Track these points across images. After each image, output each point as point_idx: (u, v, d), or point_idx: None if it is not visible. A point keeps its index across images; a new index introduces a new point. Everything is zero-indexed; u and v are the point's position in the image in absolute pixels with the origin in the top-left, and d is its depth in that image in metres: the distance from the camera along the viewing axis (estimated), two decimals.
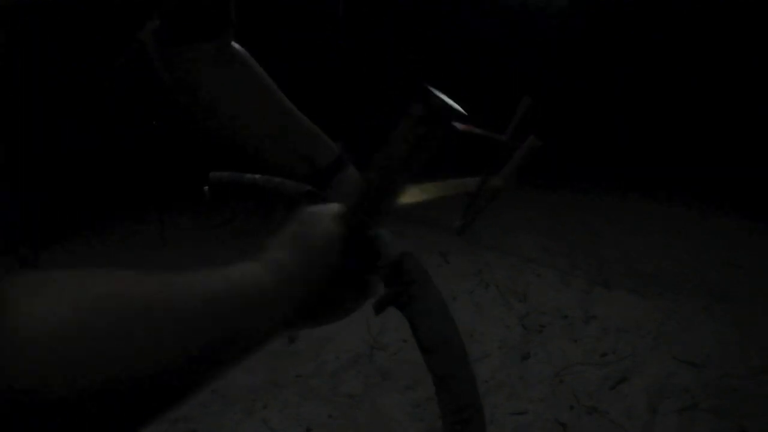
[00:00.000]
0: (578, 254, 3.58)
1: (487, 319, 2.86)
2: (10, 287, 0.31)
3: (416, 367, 2.37)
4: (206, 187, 0.77)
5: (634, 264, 3.47)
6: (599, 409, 2.21)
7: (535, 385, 2.37)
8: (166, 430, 2.06)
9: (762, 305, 2.95)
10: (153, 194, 4.02)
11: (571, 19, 5.02)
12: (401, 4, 5.04)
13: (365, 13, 4.79)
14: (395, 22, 5.06)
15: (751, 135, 4.79)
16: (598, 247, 3.70)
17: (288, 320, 0.47)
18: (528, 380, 2.40)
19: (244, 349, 0.43)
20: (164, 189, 3.92)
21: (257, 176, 0.80)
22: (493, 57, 5.14)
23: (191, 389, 0.39)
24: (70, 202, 3.65)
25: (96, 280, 0.35)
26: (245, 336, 0.43)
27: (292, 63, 4.00)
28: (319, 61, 4.80)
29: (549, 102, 4.99)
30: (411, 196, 0.77)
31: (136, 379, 0.34)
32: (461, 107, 0.49)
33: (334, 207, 0.55)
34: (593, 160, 4.99)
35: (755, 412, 2.17)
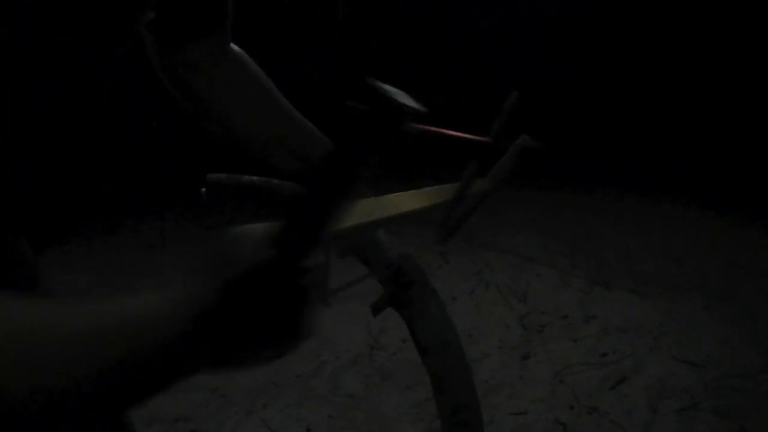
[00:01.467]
0: (578, 254, 3.58)
1: (487, 319, 2.86)
2: None
3: (416, 367, 2.37)
4: (203, 189, 0.77)
5: (634, 264, 3.47)
6: (599, 409, 2.21)
7: (535, 385, 2.37)
8: (166, 430, 2.06)
9: (762, 305, 2.95)
10: (153, 194, 4.03)
11: (570, 10, 5.00)
12: (401, 4, 5.04)
13: (365, 14, 4.79)
14: (395, 22, 5.06)
15: (752, 131, 4.78)
16: (598, 247, 3.70)
17: (198, 362, 0.43)
18: (528, 380, 2.40)
19: (144, 383, 0.41)
20: (164, 189, 3.92)
21: (255, 178, 0.79)
22: (492, 50, 5.13)
23: (84, 411, 0.39)
24: (69, 202, 3.65)
25: None
26: (139, 371, 0.40)
27: (291, 65, 4.01)
28: (318, 63, 4.80)
29: (549, 97, 4.99)
30: (370, 212, 0.65)
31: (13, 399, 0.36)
32: (418, 103, 0.42)
33: (262, 229, 0.46)
34: (593, 159, 4.98)
35: (755, 412, 2.17)
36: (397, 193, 0.71)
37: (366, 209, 0.58)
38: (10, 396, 0.36)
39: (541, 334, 2.74)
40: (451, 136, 0.79)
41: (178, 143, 3.90)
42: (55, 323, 0.39)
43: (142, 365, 0.40)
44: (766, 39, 4.66)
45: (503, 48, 5.17)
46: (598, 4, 4.98)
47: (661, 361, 2.51)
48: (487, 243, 3.67)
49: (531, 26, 5.12)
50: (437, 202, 0.78)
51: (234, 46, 0.82)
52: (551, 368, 2.47)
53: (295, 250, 0.44)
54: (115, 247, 3.70)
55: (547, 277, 3.29)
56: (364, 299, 0.93)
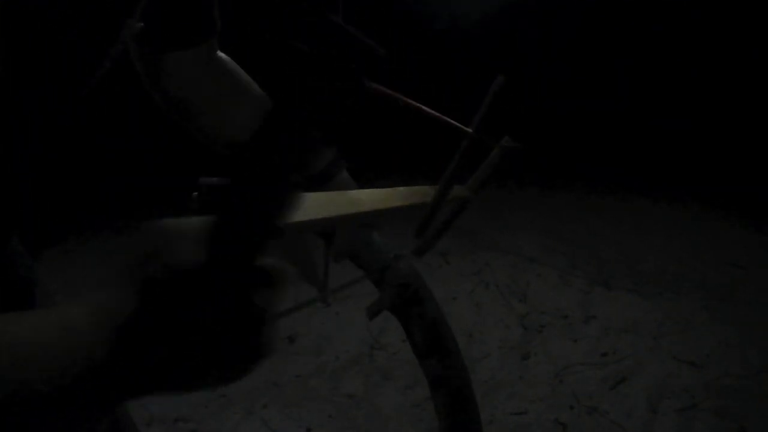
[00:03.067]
0: (578, 254, 3.58)
1: (487, 319, 2.86)
2: None
3: (416, 367, 2.37)
4: (195, 193, 0.77)
5: (634, 264, 3.46)
6: (599, 409, 2.21)
7: (535, 385, 2.37)
8: (166, 430, 2.06)
9: (762, 305, 2.95)
10: (152, 195, 4.02)
11: (569, 11, 5.00)
12: (401, 4, 5.04)
13: (364, 15, 4.78)
14: (395, 22, 5.06)
15: (752, 131, 4.78)
16: (598, 247, 3.70)
17: (131, 381, 0.35)
18: (528, 380, 2.40)
19: (69, 402, 0.34)
20: (163, 189, 3.92)
21: None
22: (492, 49, 5.14)
23: None
24: (69, 203, 3.65)
25: None
26: (59, 390, 0.33)
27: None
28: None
29: (550, 98, 4.98)
30: (331, 207, 0.52)
31: None
32: (377, 45, 0.27)
33: (198, 222, 0.37)
34: (593, 159, 4.98)
35: (755, 412, 2.17)
36: (366, 190, 0.61)
37: (327, 204, 0.49)
38: None
39: (541, 334, 2.74)
40: (428, 113, 0.67)
41: (176, 143, 3.89)
42: None
43: (58, 384, 0.33)
44: (766, 39, 4.66)
45: (503, 48, 5.17)
46: (598, 4, 4.98)
47: (661, 361, 2.51)
48: (487, 243, 3.67)
49: (531, 26, 5.12)
50: (410, 203, 0.67)
51: (221, 54, 0.81)
52: (551, 368, 2.47)
53: (235, 249, 0.35)
54: (115, 247, 3.70)
55: (547, 277, 3.29)
56: (364, 299, 0.93)
